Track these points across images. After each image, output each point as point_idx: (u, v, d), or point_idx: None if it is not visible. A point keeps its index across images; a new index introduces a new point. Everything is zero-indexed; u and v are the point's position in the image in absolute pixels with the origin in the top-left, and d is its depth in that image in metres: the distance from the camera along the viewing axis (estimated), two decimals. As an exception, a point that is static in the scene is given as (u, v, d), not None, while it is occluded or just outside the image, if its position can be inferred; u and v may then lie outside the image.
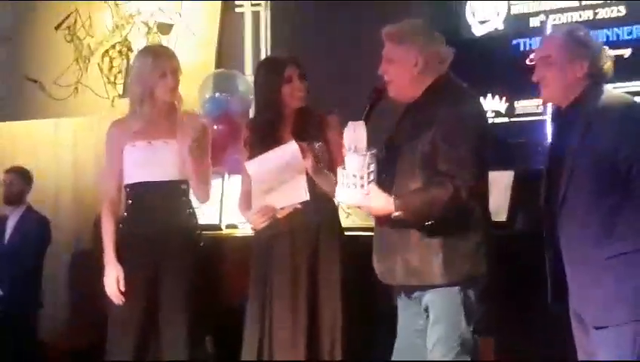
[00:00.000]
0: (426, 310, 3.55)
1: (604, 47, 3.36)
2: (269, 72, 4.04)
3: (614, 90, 3.36)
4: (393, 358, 3.68)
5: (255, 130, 4.04)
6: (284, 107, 3.99)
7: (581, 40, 3.32)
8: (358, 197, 3.41)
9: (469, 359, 3.50)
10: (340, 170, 3.44)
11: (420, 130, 3.44)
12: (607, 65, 3.31)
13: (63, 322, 6.07)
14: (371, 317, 4.34)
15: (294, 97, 3.99)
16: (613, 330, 3.19)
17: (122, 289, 3.94)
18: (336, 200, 3.55)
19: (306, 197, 3.86)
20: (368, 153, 3.38)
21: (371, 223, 4.61)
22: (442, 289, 3.46)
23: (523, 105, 4.79)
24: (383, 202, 3.39)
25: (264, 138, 3.97)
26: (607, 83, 3.33)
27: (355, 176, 3.39)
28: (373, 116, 3.50)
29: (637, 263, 3.16)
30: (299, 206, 3.90)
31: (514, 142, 4.68)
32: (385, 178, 3.46)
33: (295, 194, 3.89)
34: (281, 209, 3.92)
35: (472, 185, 3.36)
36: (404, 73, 3.50)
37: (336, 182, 3.54)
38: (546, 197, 3.37)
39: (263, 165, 3.89)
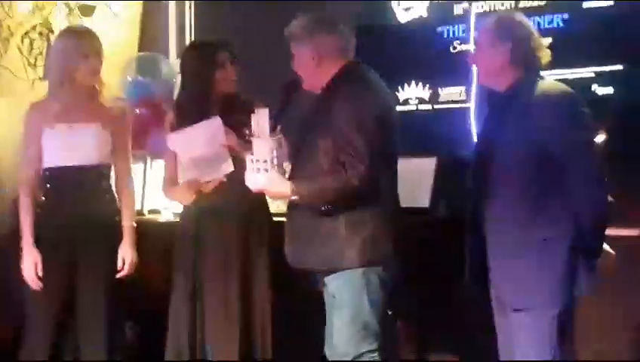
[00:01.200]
0: (334, 295, 3.60)
1: (535, 34, 3.39)
2: (201, 56, 4.01)
3: (551, 79, 3.40)
4: (326, 340, 3.71)
5: (182, 114, 4.01)
6: (214, 92, 3.96)
7: (504, 25, 3.38)
8: (262, 181, 3.49)
9: (376, 343, 3.54)
10: (247, 156, 3.50)
11: (319, 121, 3.53)
12: (537, 52, 3.36)
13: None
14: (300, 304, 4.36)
15: (226, 83, 3.98)
16: (531, 314, 3.24)
17: (40, 274, 3.88)
18: (247, 183, 3.57)
19: (231, 168, 3.88)
20: (271, 139, 3.45)
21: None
22: (344, 273, 3.53)
23: (447, 93, 4.82)
24: (282, 187, 3.49)
25: (192, 123, 3.94)
26: (543, 70, 3.37)
27: (259, 160, 3.46)
28: (292, 107, 3.59)
29: (558, 250, 3.22)
30: (224, 179, 3.90)
31: (437, 129, 4.72)
32: (293, 165, 3.56)
33: (220, 166, 3.91)
34: (207, 182, 3.93)
35: (364, 174, 3.41)
36: (305, 68, 3.60)
37: None
38: (474, 181, 3.40)
39: (186, 139, 3.90)
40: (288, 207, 3.67)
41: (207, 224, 4.02)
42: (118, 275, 3.95)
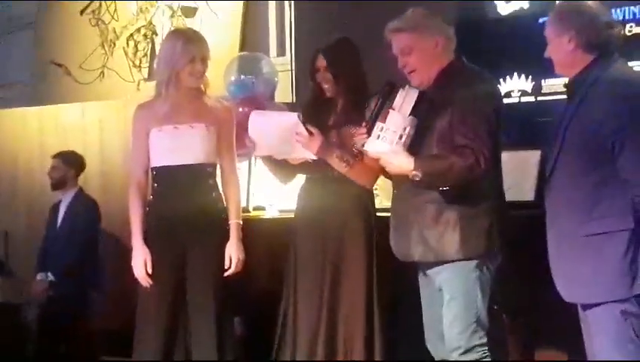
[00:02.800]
0: (440, 288, 3.61)
1: (602, 16, 3.33)
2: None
3: (623, 65, 3.34)
4: (427, 335, 3.73)
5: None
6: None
7: (565, 14, 3.36)
8: (386, 148, 3.51)
9: (485, 336, 3.56)
10: (378, 124, 3.54)
11: (437, 112, 3.53)
12: (605, 36, 3.30)
13: (106, 305, 6.08)
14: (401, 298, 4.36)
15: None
16: (601, 309, 3.18)
17: (150, 272, 3.96)
18: (368, 147, 3.61)
19: (313, 156, 3.90)
20: (412, 117, 3.50)
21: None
22: (458, 265, 3.54)
23: (550, 84, 4.74)
24: (404, 160, 3.49)
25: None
26: (620, 55, 3.32)
27: (392, 131, 3.50)
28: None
29: (617, 243, 3.14)
30: (310, 159, 3.93)
31: (541, 121, 4.66)
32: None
33: (299, 151, 3.92)
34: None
35: (489, 158, 3.44)
36: (425, 58, 3.61)
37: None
38: (543, 173, 3.41)
39: (266, 120, 3.98)
40: (394, 199, 3.69)
41: (309, 222, 4.04)
42: (227, 273, 4.00)
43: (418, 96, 3.62)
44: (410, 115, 3.54)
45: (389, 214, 4.49)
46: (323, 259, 3.98)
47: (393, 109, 3.54)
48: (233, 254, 4.00)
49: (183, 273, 3.99)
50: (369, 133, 3.59)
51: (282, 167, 4.08)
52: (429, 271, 3.64)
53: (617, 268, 3.14)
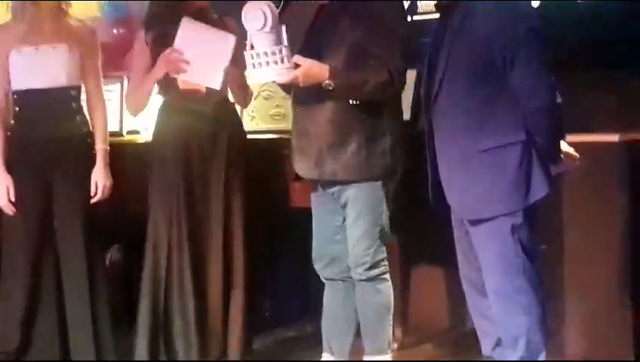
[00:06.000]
0: (344, 206, 3.63)
1: None
2: None
3: None
4: (314, 256, 3.78)
5: (153, 28, 3.92)
6: (182, 6, 3.87)
7: None
8: (279, 72, 3.40)
9: (385, 252, 3.64)
10: (247, 53, 3.41)
11: (346, 25, 3.49)
12: None
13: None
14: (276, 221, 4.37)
15: None
16: (489, 224, 3.23)
17: (12, 199, 3.86)
18: (253, 81, 3.56)
19: (218, 86, 3.78)
20: (282, 27, 3.37)
21: (273, 126, 4.65)
22: (365, 184, 3.57)
23: (426, 3, 4.75)
24: (317, 69, 3.42)
25: (166, 39, 3.86)
26: None
27: (272, 52, 3.36)
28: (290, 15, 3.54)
29: (510, 156, 3.18)
30: (203, 89, 3.82)
31: (417, 41, 4.65)
32: None
33: (209, 76, 3.78)
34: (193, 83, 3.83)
35: (402, 74, 3.49)
36: None
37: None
38: (425, 92, 3.36)
39: (196, 31, 3.77)
40: (296, 118, 3.66)
41: (187, 143, 3.96)
42: (92, 200, 3.91)
43: (322, 8, 3.55)
44: (273, 26, 3.37)
45: (265, 136, 4.53)
46: (207, 182, 3.95)
47: (262, 29, 3.37)
48: (99, 181, 3.92)
49: (49, 200, 3.89)
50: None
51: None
52: (332, 189, 3.66)
53: (512, 181, 3.17)
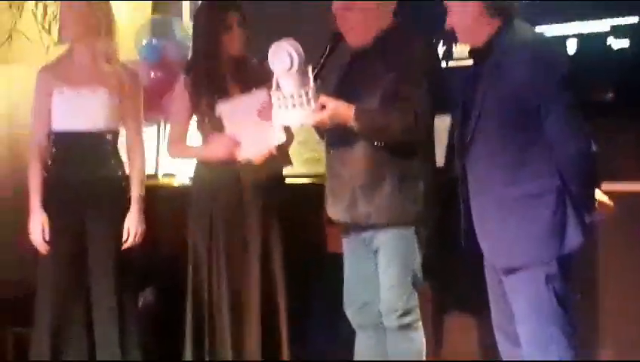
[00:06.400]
0: (377, 251, 3.63)
1: None
2: (209, 17, 3.97)
3: (527, 28, 3.32)
4: (345, 302, 3.77)
5: (196, 75, 3.97)
6: (223, 55, 3.92)
7: None
8: (306, 114, 3.41)
9: (417, 299, 3.63)
10: (274, 93, 3.42)
11: (379, 70, 3.52)
12: (508, 1, 3.27)
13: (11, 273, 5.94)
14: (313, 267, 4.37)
15: (234, 46, 3.92)
16: (523, 273, 3.19)
17: (47, 238, 3.90)
18: (279, 122, 3.54)
19: (283, 138, 3.80)
20: (309, 68, 3.38)
21: (308, 170, 4.66)
22: (397, 229, 3.57)
23: (461, 49, 4.74)
24: (343, 110, 3.43)
25: (206, 85, 3.92)
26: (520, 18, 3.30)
27: (299, 94, 3.37)
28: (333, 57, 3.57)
29: (545, 204, 3.15)
30: (274, 151, 3.84)
31: (451, 86, 4.65)
32: None
33: (265, 141, 3.81)
34: (257, 156, 3.85)
35: (427, 120, 3.50)
36: (366, 17, 3.58)
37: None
38: (459, 138, 3.35)
39: (236, 108, 3.83)
40: (329, 160, 3.67)
41: (223, 189, 3.98)
42: (123, 246, 3.93)
43: (357, 52, 3.57)
44: (300, 67, 3.38)
45: (300, 180, 4.54)
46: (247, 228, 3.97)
47: (289, 70, 3.37)
48: (132, 227, 3.95)
49: (83, 241, 3.92)
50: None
51: None
52: (364, 235, 3.65)
53: (546, 229, 3.14)
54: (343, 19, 3.59)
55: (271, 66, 3.41)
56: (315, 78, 3.47)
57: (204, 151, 3.99)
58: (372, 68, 3.56)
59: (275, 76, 3.41)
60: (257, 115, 3.77)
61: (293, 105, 3.39)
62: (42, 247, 3.92)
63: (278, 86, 3.42)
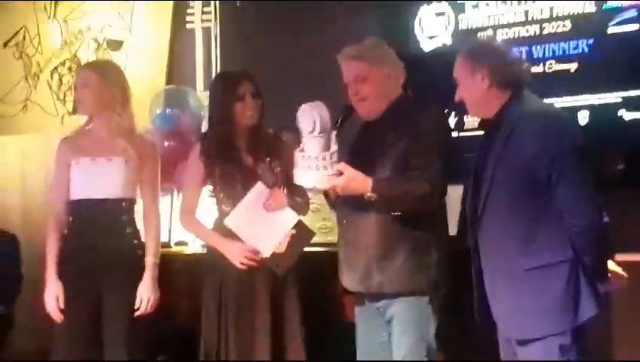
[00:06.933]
0: (390, 321, 3.61)
1: (510, 53, 3.36)
2: (223, 88, 4.02)
3: (537, 99, 3.35)
4: None
5: (210, 144, 4.01)
6: (236, 124, 3.97)
7: (476, 52, 3.36)
8: (323, 178, 3.46)
9: None
10: (298, 154, 3.49)
11: (389, 141, 3.54)
12: (518, 73, 3.31)
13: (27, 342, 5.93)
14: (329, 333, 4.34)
15: (246, 115, 3.97)
16: (538, 345, 3.17)
17: (62, 306, 3.90)
18: (297, 182, 3.58)
19: (295, 219, 3.87)
20: (333, 133, 3.45)
21: (320, 239, 4.65)
22: (411, 299, 3.55)
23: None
24: (360, 180, 3.45)
25: (219, 154, 3.95)
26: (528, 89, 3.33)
27: (320, 158, 3.44)
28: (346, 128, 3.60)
29: (557, 275, 3.15)
30: (292, 231, 3.88)
31: (463, 156, 4.68)
32: None
33: (283, 224, 3.87)
34: (279, 245, 3.88)
35: (442, 188, 3.52)
36: (377, 88, 3.62)
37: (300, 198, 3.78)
38: (471, 209, 3.36)
39: (241, 214, 3.87)
40: (342, 228, 3.68)
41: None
42: (136, 314, 3.91)
43: (367, 124, 3.62)
44: (323, 131, 3.46)
45: (312, 249, 4.54)
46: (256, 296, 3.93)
47: (312, 132, 3.46)
48: (145, 294, 3.93)
49: (97, 309, 3.91)
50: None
51: None
52: (378, 304, 3.64)
53: (559, 300, 3.13)
54: (355, 91, 3.64)
55: (298, 125, 3.49)
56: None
57: (213, 242, 4.00)
58: (383, 138, 3.59)
59: (302, 136, 3.49)
60: (265, 209, 3.85)
61: (316, 167, 3.45)
62: (56, 316, 3.91)
63: (303, 147, 3.49)
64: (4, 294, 5.66)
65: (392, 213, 3.52)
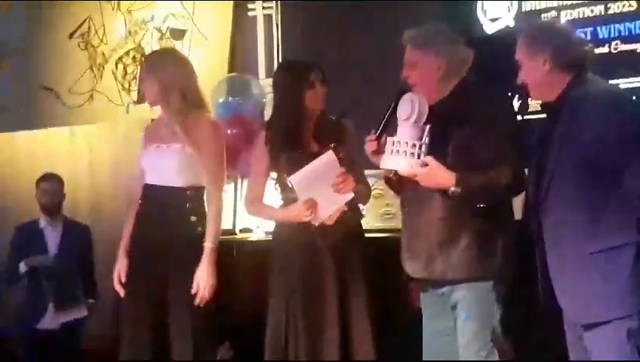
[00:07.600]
0: (455, 306, 3.60)
1: (574, 34, 3.33)
2: (293, 75, 4.03)
3: (600, 81, 3.30)
4: (424, 358, 3.72)
5: (276, 132, 4.02)
6: (305, 111, 3.98)
7: (538, 34, 3.32)
8: (414, 164, 3.45)
9: (497, 356, 3.56)
10: (390, 139, 3.50)
11: (452, 128, 3.51)
12: (581, 54, 3.27)
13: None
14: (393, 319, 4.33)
15: (316, 102, 3.98)
16: (604, 329, 3.14)
17: (123, 280, 4.01)
18: (384, 165, 3.57)
19: (351, 195, 3.87)
20: (427, 127, 3.46)
21: (383, 224, 4.65)
22: (475, 284, 3.54)
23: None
24: (443, 174, 3.44)
25: (286, 141, 3.97)
26: (594, 73, 3.28)
27: (411, 144, 3.45)
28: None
29: (623, 258, 3.10)
30: (345, 208, 3.90)
31: (528, 140, 4.64)
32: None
33: (339, 197, 3.88)
34: (330, 217, 3.90)
35: (522, 175, 3.47)
36: (427, 77, 3.59)
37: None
38: (533, 194, 3.32)
39: (306, 177, 3.88)
40: (405, 216, 3.68)
41: (305, 245, 4.00)
42: (196, 300, 3.91)
43: (431, 108, 3.57)
44: (418, 120, 3.48)
45: (375, 235, 4.54)
46: (325, 282, 3.94)
47: (407, 120, 3.48)
48: (201, 280, 3.92)
49: (162, 293, 3.96)
50: (378, 142, 3.57)
51: None
52: (442, 289, 3.64)
53: (626, 283, 3.10)
54: (406, 75, 3.63)
55: (397, 110, 3.51)
56: (381, 134, 3.55)
57: (280, 214, 4.04)
58: (446, 123, 3.55)
59: (398, 121, 3.51)
60: (326, 178, 3.85)
61: (404, 153, 3.46)
62: (118, 288, 4.03)
63: (396, 132, 3.50)
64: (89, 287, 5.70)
65: (478, 206, 3.49)
